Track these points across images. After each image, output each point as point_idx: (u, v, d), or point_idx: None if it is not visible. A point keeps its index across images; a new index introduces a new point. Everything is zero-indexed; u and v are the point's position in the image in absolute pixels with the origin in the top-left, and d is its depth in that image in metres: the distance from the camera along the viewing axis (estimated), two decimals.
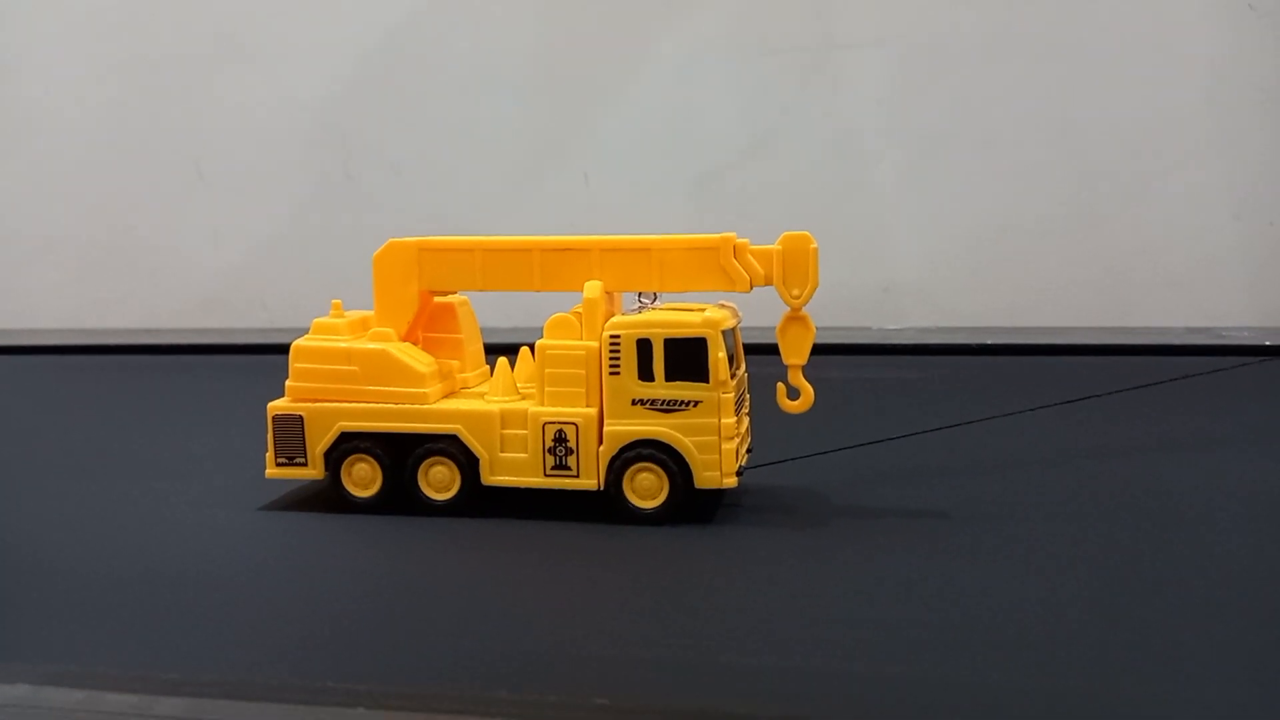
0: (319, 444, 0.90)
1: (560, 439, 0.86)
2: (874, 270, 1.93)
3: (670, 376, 0.84)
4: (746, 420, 0.91)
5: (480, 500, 0.88)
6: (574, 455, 0.86)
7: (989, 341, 1.70)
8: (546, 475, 0.86)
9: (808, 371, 0.88)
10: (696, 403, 0.84)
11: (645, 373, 0.84)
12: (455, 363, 0.94)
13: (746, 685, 0.56)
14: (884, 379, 1.55)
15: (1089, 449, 1.07)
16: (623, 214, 1.97)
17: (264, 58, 2.04)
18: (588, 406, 0.86)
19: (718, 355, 0.83)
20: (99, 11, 2.07)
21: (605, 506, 0.86)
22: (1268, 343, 1.51)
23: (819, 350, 1.59)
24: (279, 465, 0.91)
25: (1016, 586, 0.70)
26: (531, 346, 0.89)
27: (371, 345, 0.90)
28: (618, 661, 0.59)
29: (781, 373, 0.88)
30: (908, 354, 1.72)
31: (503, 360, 0.91)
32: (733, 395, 0.85)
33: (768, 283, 0.86)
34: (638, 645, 0.62)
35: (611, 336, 0.85)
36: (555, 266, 0.89)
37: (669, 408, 0.84)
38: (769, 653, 0.60)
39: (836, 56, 1.91)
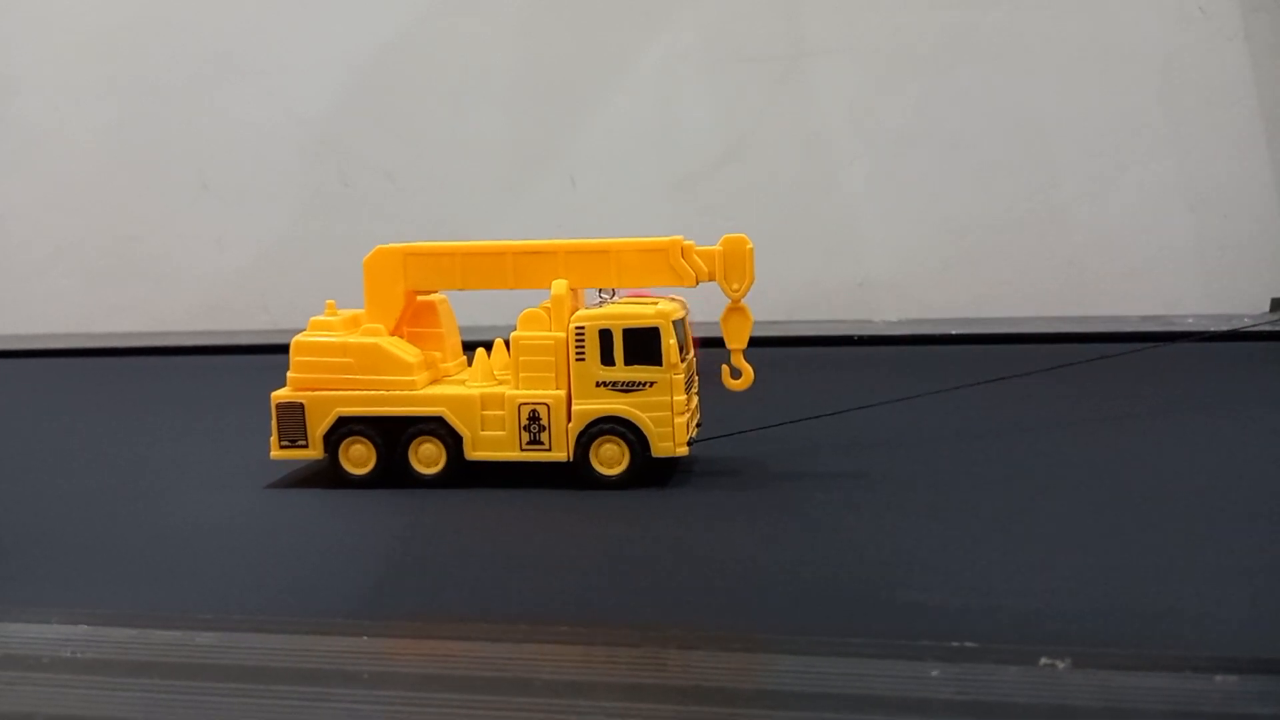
0: (319, 428, 1.03)
1: (534, 418, 0.99)
2: (848, 266, 2.06)
3: (629, 361, 0.97)
4: (696, 398, 1.05)
5: (464, 474, 1.01)
6: (546, 431, 0.99)
7: (953, 332, 1.83)
8: (522, 450, 1.00)
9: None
10: (651, 383, 0.97)
11: (607, 358, 0.98)
12: (437, 354, 1.07)
13: (691, 613, 0.70)
14: (846, 367, 1.68)
15: (1020, 424, 1.20)
16: (608, 215, 2.10)
17: (263, 74, 2.17)
18: (557, 389, 0.99)
19: (669, 342, 0.96)
20: (106, 31, 2.20)
21: (574, 475, 0.99)
22: (1211, 328, 1.64)
23: (797, 343, 1.71)
24: (282, 448, 1.04)
25: (934, 534, 0.83)
26: (506, 338, 1.03)
27: (364, 340, 1.03)
28: (584, 597, 0.73)
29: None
30: (878, 344, 1.84)
31: (480, 351, 1.05)
32: (683, 376, 0.98)
33: (711, 279, 0.99)
34: (601, 585, 0.75)
35: (577, 328, 0.98)
36: (526, 267, 1.02)
37: (628, 388, 0.98)
38: (714, 588, 0.74)
39: (807, 63, 2.03)
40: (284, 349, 1.05)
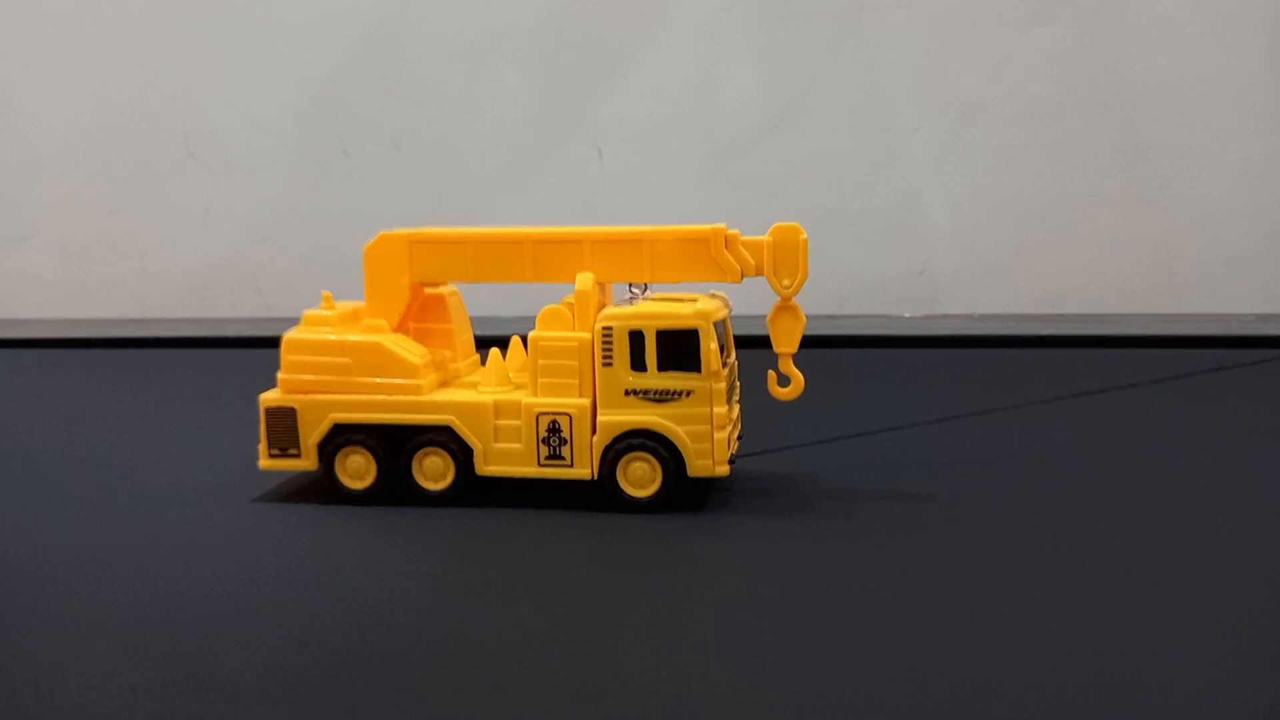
0: (312, 435, 1.01)
1: (554, 429, 0.97)
2: (907, 252, 2.02)
3: (663, 367, 0.95)
4: (737, 408, 1.02)
5: (474, 490, 0.99)
6: (568, 445, 0.97)
7: (1045, 332, 1.78)
8: (541, 465, 0.98)
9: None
10: (689, 392, 0.94)
11: (638, 363, 0.95)
12: (447, 353, 1.05)
13: (738, 674, 0.66)
14: (905, 367, 1.65)
15: (1101, 445, 1.16)
16: (637, 190, 2.06)
17: (257, 28, 2.15)
18: (581, 397, 0.97)
19: (709, 346, 0.94)
20: None
21: (599, 495, 0.97)
22: None
23: (849, 342, 1.67)
24: (272, 457, 1.03)
25: (980, 576, 0.80)
26: (524, 336, 1.00)
27: (364, 337, 1.01)
28: (612, 661, 0.69)
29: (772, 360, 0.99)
30: (942, 346, 1.81)
31: (494, 351, 1.02)
32: (724, 385, 0.95)
33: (758, 273, 0.96)
34: (630, 642, 0.71)
35: (604, 328, 0.95)
36: (547, 258, 1.00)
37: (661, 398, 0.95)
38: (762, 641, 0.70)
39: (866, 20, 1.99)
40: (277, 340, 1.03)
